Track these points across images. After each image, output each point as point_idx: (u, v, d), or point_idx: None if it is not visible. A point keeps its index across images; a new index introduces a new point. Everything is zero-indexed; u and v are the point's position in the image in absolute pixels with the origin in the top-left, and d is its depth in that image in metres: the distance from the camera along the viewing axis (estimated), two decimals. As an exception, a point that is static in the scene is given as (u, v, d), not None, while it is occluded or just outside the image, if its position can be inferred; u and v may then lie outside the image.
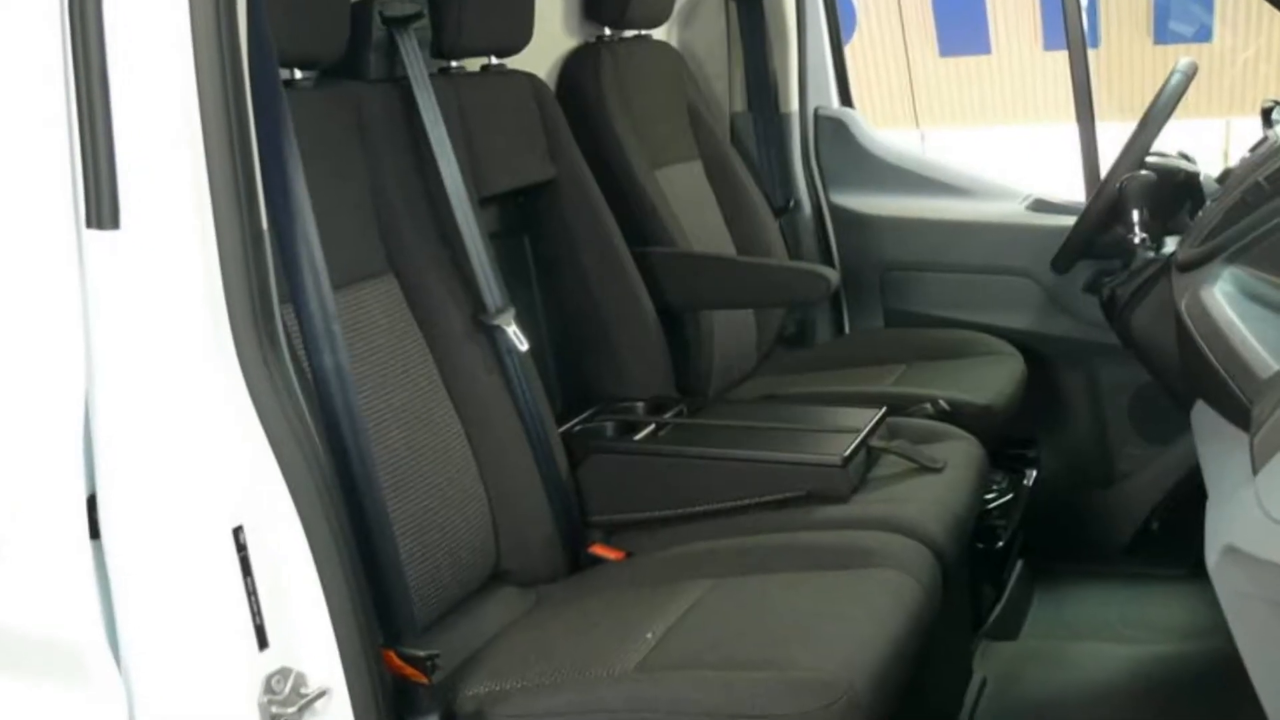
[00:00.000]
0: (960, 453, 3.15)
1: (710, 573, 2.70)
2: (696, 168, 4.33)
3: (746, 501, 2.95)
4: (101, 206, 1.64)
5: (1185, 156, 3.70)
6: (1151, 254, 3.36)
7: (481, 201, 3.06)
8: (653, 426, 3.22)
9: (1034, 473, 4.07)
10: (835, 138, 4.69)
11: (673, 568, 2.78)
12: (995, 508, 3.75)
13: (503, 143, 3.35)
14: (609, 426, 3.26)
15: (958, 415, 3.53)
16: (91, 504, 1.73)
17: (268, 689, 1.77)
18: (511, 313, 2.89)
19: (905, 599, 2.47)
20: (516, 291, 2.96)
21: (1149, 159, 3.49)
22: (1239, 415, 1.99)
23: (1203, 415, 2.39)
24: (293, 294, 2.23)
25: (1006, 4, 9.08)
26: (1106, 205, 3.48)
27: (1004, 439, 3.95)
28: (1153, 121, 3.44)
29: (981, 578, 3.33)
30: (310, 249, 2.25)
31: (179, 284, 1.70)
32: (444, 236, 2.86)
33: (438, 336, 2.77)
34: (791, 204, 4.64)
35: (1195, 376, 2.30)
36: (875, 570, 2.57)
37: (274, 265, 1.82)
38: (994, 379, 3.97)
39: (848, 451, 2.93)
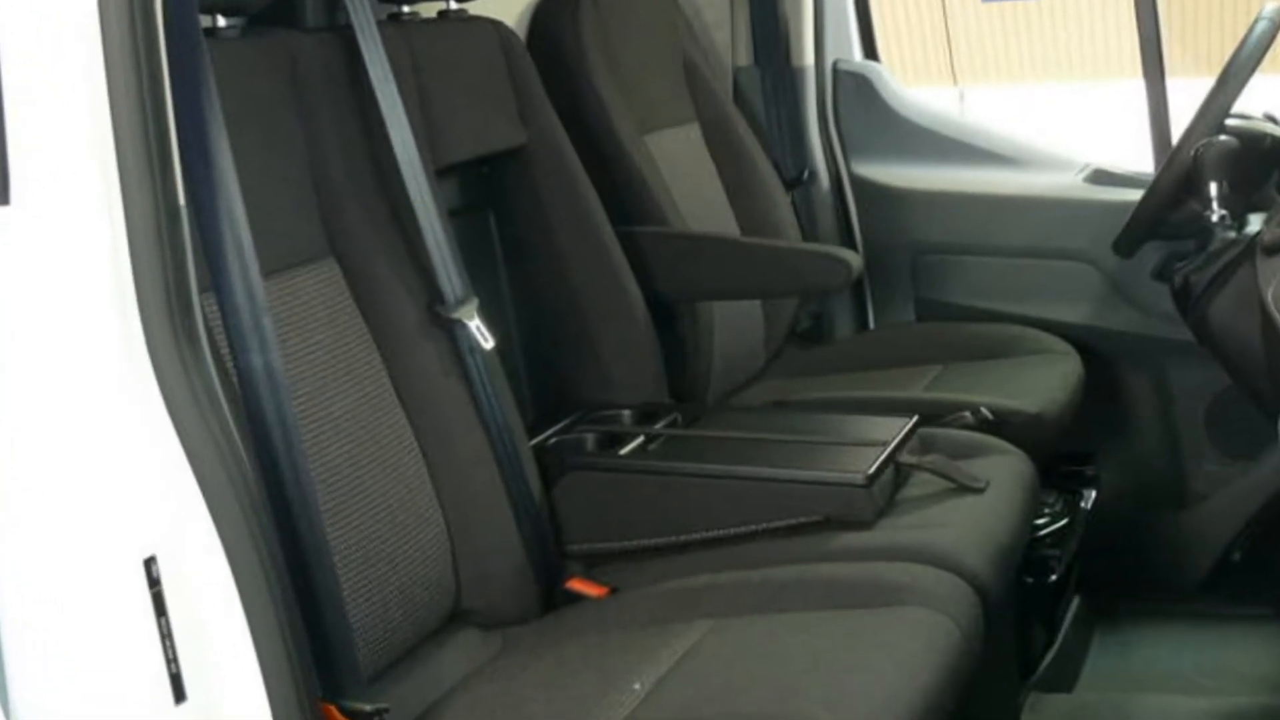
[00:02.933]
0: (1006, 470, 3.17)
1: (709, 612, 2.71)
2: (694, 132, 4.34)
3: (752, 528, 2.97)
4: (-12, 178, 1.64)
5: (1272, 119, 3.72)
6: (1232, 234, 3.38)
7: (439, 172, 3.08)
8: (641, 439, 3.23)
9: (1093, 494, 4.09)
10: (857, 97, 4.71)
11: (665, 606, 2.79)
12: (1047, 535, 3.76)
13: (464, 103, 3.36)
14: (589, 439, 3.27)
15: (1003, 425, 3.55)
16: (-24, 532, 1.73)
17: (186, 750, 1.78)
18: (474, 304, 2.90)
19: (940, 643, 2.49)
20: (480, 279, 2.96)
21: (1229, 122, 3.51)
22: (1335, 425, 2.00)
23: (1293, 425, 2.40)
24: (215, 282, 2.24)
25: (1061, -62, 9.12)
26: (1179, 177, 3.49)
27: (1057, 453, 3.96)
28: (1234, 78, 3.45)
29: (1031, 618, 3.35)
30: (236, 229, 2.26)
31: (80, 270, 1.71)
32: (394, 214, 2.87)
33: (387, 332, 2.78)
34: (805, 175, 4.66)
35: (1283, 379, 2.31)
36: (905, 609, 2.58)
37: (193, 248, 1.83)
38: (1045, 382, 3.98)
39: (872, 469, 2.94)
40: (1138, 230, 3.75)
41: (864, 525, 2.97)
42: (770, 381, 4.17)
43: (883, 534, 2.94)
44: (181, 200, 1.78)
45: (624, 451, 3.23)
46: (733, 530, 3.00)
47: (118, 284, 1.70)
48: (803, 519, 2.98)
